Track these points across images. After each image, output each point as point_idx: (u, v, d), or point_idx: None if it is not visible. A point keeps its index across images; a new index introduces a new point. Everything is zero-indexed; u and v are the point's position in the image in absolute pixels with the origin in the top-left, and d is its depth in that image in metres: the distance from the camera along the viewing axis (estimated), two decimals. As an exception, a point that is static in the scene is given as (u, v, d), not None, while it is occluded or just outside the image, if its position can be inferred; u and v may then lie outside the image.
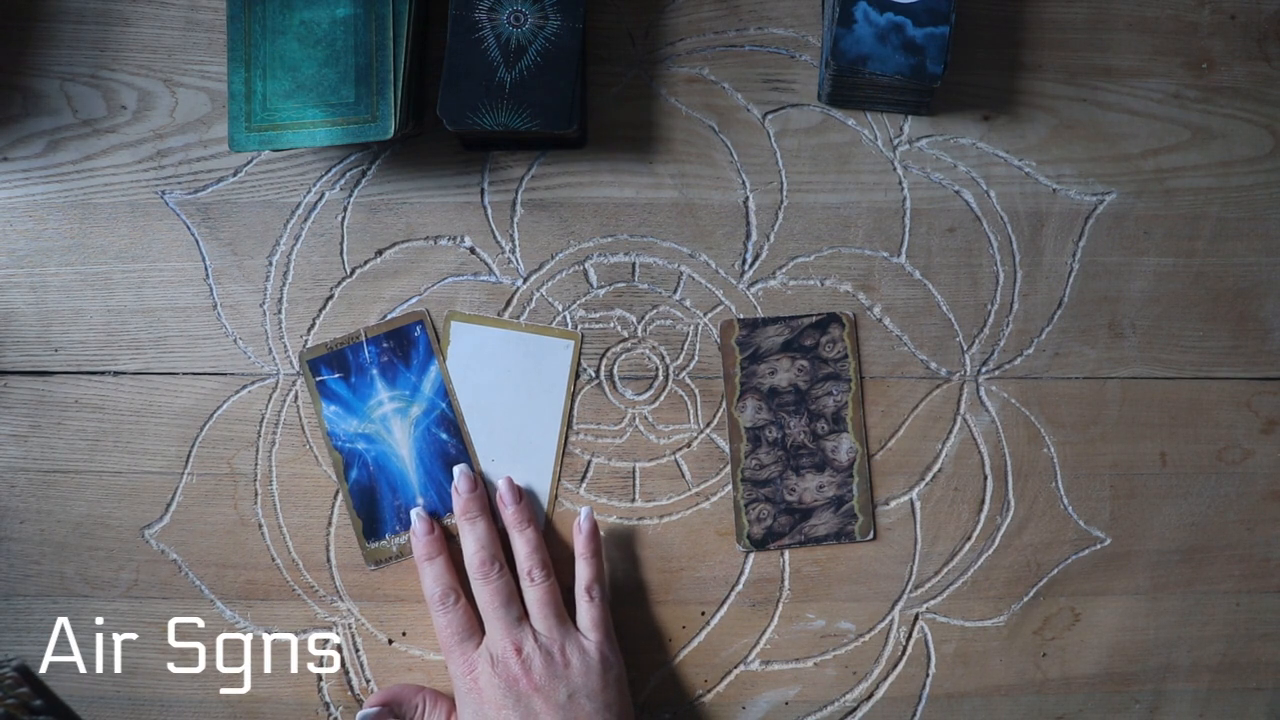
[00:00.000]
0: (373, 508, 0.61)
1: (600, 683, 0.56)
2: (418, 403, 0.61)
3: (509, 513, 0.59)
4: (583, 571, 0.59)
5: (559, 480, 0.62)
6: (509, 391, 0.61)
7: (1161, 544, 0.62)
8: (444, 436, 0.61)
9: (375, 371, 0.61)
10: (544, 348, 0.62)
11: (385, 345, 0.61)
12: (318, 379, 0.61)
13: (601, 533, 0.61)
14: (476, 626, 0.58)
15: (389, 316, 0.61)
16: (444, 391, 0.61)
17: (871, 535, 0.61)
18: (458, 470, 0.60)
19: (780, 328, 0.62)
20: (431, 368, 0.61)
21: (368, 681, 0.61)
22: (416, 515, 0.59)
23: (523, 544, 0.59)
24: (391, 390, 0.61)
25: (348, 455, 0.61)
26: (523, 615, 0.58)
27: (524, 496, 0.60)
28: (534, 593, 0.58)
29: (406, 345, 0.61)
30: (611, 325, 0.62)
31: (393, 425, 0.61)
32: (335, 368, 0.61)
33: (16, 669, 0.46)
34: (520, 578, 0.58)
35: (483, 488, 0.60)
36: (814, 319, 0.62)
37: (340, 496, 0.61)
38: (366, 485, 0.61)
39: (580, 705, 0.55)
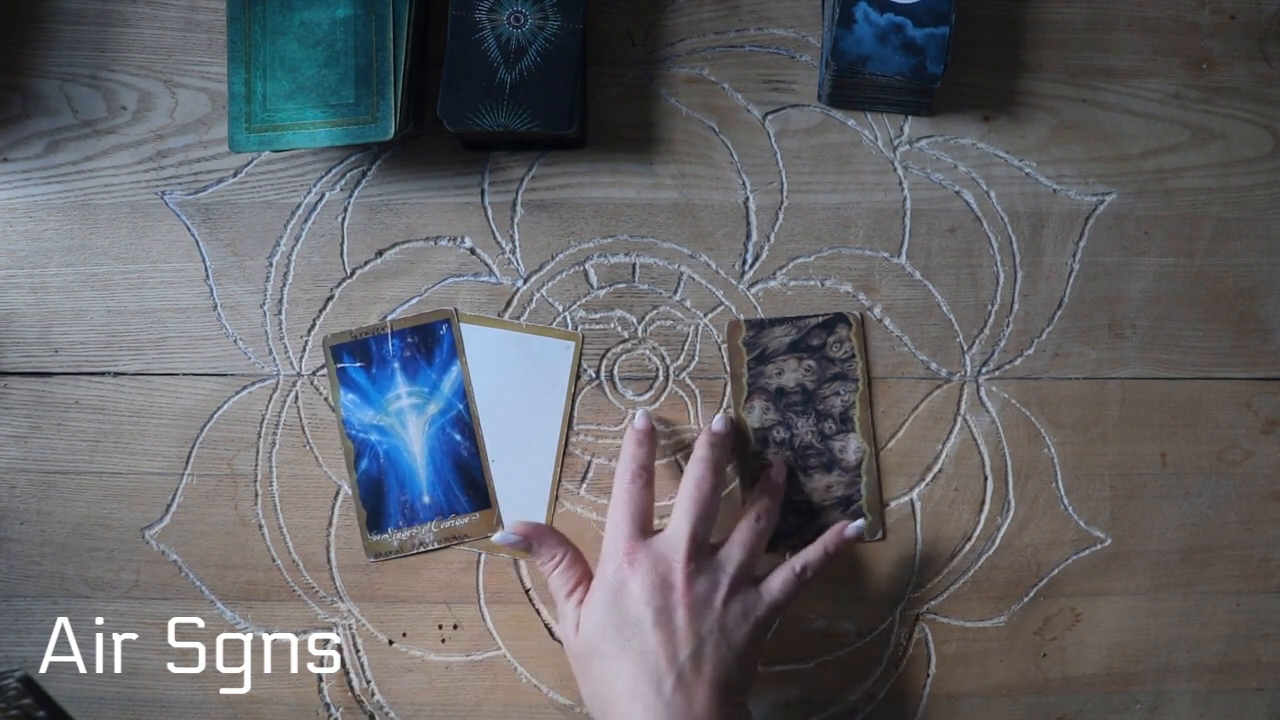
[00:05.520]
0: (378, 500, 0.61)
1: (746, 640, 0.53)
2: (435, 401, 0.61)
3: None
4: (813, 548, 0.57)
5: (559, 480, 0.62)
6: (509, 392, 0.61)
7: (1162, 544, 0.62)
8: (458, 438, 0.61)
9: (397, 365, 0.61)
10: (544, 348, 0.62)
11: (410, 340, 0.61)
12: (338, 365, 0.61)
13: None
14: (651, 521, 0.56)
15: (394, 314, 0.61)
16: (463, 393, 0.61)
17: (880, 535, 0.61)
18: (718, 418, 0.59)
19: (787, 328, 0.62)
20: (453, 368, 0.61)
21: (368, 682, 0.61)
22: (642, 414, 0.59)
23: (766, 489, 0.58)
24: (411, 386, 0.61)
25: (359, 445, 0.61)
26: (712, 543, 0.55)
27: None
28: (746, 529, 0.56)
29: (431, 342, 0.61)
30: (612, 326, 0.62)
31: (408, 421, 0.61)
32: (357, 356, 0.61)
33: (20, 679, 0.46)
34: (746, 511, 0.57)
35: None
36: (821, 319, 0.62)
37: (340, 497, 0.61)
38: (375, 477, 0.61)
39: (715, 646, 0.52)
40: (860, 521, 0.58)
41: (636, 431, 0.58)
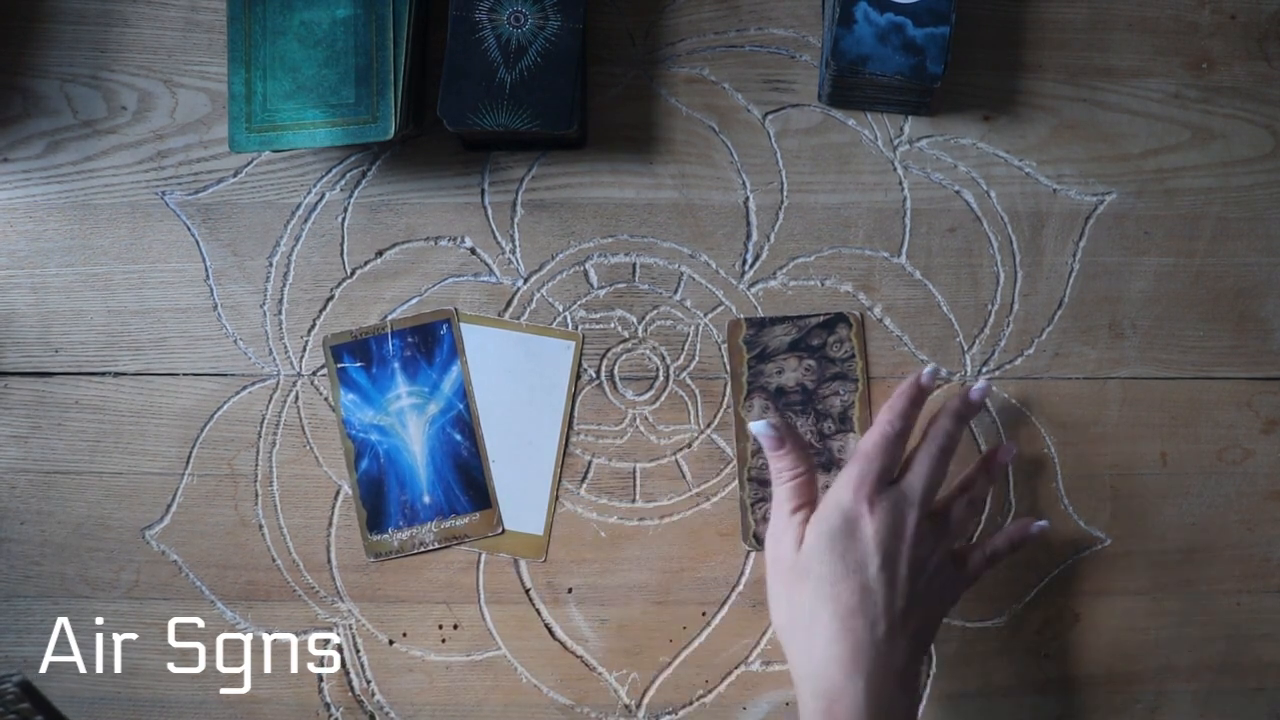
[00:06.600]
0: (379, 500, 0.61)
1: (940, 611, 0.56)
2: (435, 401, 0.61)
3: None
4: (999, 536, 0.58)
5: (559, 480, 0.62)
6: (510, 392, 0.61)
7: (1162, 544, 0.62)
8: (458, 438, 0.61)
9: (397, 365, 0.61)
10: (545, 348, 0.62)
11: (410, 340, 0.61)
12: (339, 365, 0.61)
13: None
14: (894, 472, 0.56)
15: (394, 314, 0.61)
16: (463, 393, 0.61)
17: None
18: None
19: (787, 327, 0.62)
20: (454, 368, 0.61)
21: (368, 682, 0.61)
22: (930, 371, 0.58)
23: (989, 470, 0.59)
24: (411, 385, 0.61)
25: (360, 445, 0.61)
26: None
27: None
28: (963, 507, 0.57)
29: (431, 342, 0.61)
30: (612, 325, 0.62)
31: (408, 420, 0.61)
32: (358, 356, 0.61)
33: (18, 684, 0.46)
34: (961, 488, 0.58)
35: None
36: (821, 319, 0.62)
37: (340, 497, 0.61)
38: (375, 477, 0.61)
39: (924, 606, 0.54)
40: (1044, 521, 0.59)
41: (917, 389, 0.57)
